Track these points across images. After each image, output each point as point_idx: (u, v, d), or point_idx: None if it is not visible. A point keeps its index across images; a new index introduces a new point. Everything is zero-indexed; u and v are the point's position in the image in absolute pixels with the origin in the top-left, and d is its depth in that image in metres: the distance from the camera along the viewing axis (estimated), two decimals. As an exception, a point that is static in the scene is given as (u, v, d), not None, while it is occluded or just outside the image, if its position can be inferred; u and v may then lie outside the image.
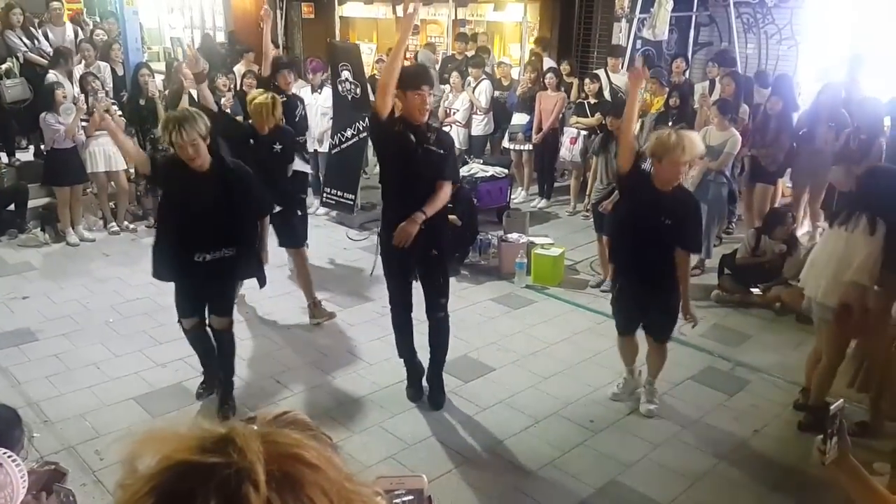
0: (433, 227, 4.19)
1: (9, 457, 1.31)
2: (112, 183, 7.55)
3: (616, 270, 4.66)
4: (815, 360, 4.46)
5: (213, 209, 4.05)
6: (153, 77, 7.71)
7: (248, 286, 5.22)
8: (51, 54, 8.33)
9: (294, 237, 5.79)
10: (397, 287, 4.43)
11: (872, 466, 3.51)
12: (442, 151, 4.19)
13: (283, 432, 0.69)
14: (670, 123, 7.44)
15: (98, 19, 11.44)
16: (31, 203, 7.61)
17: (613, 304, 4.61)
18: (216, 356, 4.43)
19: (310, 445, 0.68)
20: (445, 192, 4.22)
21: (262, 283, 4.52)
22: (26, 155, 8.78)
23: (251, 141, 5.35)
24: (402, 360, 4.60)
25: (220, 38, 14.77)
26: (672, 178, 4.08)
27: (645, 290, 4.27)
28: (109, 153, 7.30)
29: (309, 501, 0.63)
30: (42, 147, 8.15)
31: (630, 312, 4.46)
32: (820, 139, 6.70)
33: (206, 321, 4.37)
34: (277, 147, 5.40)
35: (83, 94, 7.34)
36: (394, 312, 4.49)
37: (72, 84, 7.84)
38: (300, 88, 8.61)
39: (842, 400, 1.79)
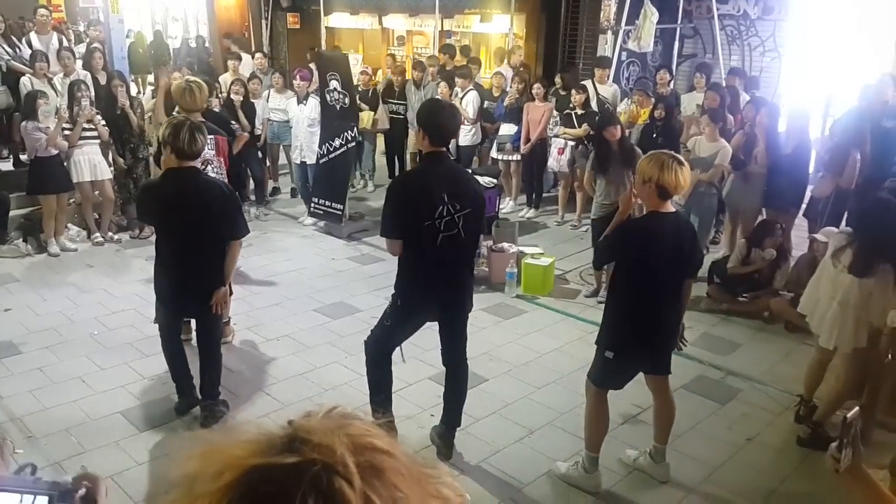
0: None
1: None
2: (97, 192, 7.45)
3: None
4: (818, 370, 4.46)
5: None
6: (124, 86, 7.67)
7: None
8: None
9: None
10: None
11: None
12: None
13: (352, 423, 0.69)
14: (655, 135, 7.49)
15: (81, 28, 11.35)
16: (13, 213, 7.48)
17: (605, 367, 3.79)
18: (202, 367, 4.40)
19: (377, 432, 0.68)
20: None
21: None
22: (6, 164, 8.65)
23: None
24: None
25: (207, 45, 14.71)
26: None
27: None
28: (95, 162, 7.19)
29: (394, 487, 0.63)
30: (22, 157, 8.03)
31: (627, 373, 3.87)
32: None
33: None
34: None
35: (70, 102, 7.21)
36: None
37: (55, 92, 7.72)
38: (288, 99, 8.59)
39: (857, 408, 1.78)
